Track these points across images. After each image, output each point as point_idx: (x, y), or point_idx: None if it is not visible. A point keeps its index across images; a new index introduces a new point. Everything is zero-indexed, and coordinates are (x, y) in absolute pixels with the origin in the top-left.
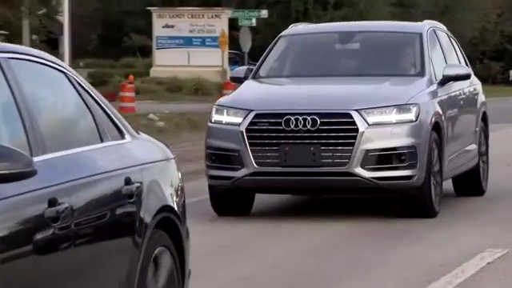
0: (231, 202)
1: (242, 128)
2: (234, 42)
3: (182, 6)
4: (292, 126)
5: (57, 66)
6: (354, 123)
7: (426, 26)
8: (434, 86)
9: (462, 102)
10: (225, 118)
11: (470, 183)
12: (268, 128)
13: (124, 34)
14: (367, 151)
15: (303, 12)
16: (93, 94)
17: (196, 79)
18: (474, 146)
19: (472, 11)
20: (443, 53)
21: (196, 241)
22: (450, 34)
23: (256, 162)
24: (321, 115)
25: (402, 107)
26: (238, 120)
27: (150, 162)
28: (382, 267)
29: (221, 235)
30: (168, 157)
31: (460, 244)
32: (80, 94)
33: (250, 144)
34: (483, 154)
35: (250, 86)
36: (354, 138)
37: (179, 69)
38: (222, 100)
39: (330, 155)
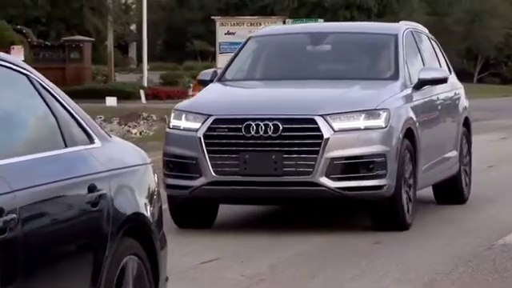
0: (192, 212)
1: (200, 134)
2: None
3: (237, 15)
4: (252, 132)
5: (17, 68)
6: (318, 129)
7: (402, 27)
8: (409, 91)
9: (440, 107)
10: (183, 123)
11: (451, 191)
12: (227, 134)
13: (186, 40)
14: (332, 159)
15: (349, 19)
16: (59, 98)
17: None
18: (454, 153)
19: (498, 18)
20: (421, 56)
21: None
22: (431, 36)
23: (214, 171)
24: (283, 121)
25: (370, 112)
26: (196, 125)
27: (121, 168)
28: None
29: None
30: (143, 162)
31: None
32: (43, 98)
33: (208, 151)
34: (465, 160)
35: (212, 89)
36: (319, 145)
37: None
38: (180, 104)
39: (293, 163)
